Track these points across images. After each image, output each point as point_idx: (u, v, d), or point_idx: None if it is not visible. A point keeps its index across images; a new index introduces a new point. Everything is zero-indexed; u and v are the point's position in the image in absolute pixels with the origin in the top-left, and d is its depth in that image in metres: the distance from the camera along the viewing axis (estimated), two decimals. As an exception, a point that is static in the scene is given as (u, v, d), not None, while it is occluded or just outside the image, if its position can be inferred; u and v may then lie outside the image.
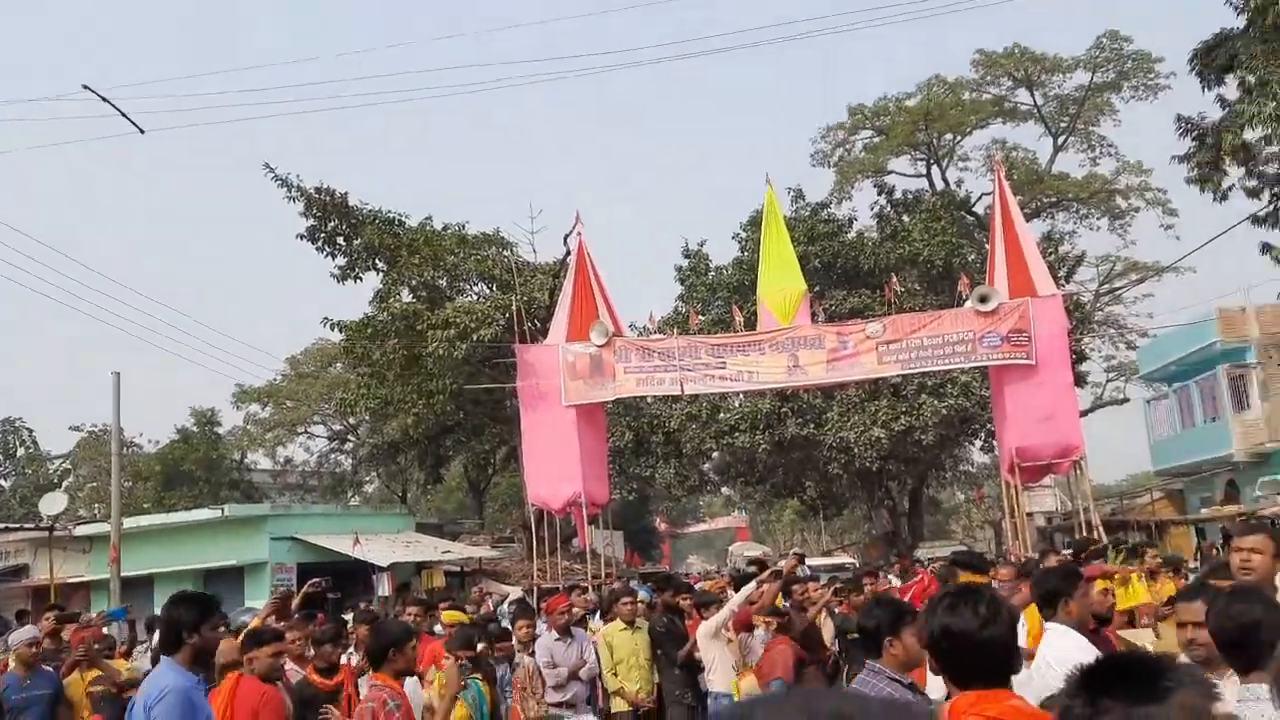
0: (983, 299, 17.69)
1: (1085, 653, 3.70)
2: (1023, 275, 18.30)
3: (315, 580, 9.30)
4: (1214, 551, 19.64)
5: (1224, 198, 15.78)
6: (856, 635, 7.99)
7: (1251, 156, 14.90)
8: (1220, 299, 28.64)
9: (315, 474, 46.49)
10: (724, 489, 40.06)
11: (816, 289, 24.58)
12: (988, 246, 24.36)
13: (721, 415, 29.49)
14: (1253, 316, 26.52)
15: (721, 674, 8.44)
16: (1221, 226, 22.24)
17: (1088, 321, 29.55)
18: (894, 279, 22.79)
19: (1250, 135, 14.91)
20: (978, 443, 31.04)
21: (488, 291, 26.09)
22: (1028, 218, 21.16)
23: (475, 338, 22.56)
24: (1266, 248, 15.28)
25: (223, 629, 6.13)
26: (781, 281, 19.26)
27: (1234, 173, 15.58)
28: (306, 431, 44.87)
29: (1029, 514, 18.90)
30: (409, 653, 5.35)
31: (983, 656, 2.84)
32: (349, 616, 10.12)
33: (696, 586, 12.11)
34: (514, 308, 18.62)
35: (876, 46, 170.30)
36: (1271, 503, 21.60)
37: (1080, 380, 22.61)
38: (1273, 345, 26.23)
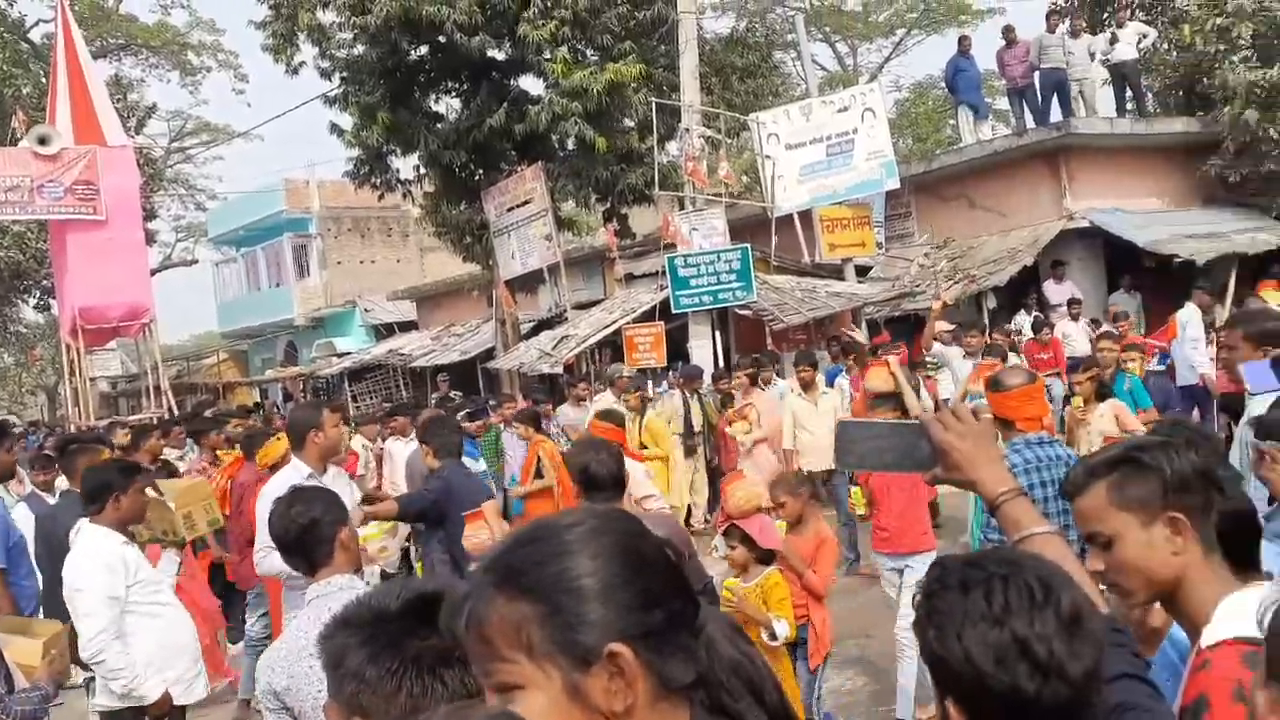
0: (42, 140, 15.84)
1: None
2: (90, 120, 16.73)
3: None
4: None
5: (296, 72, 16.26)
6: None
7: (327, 38, 15.54)
8: (289, 170, 30.20)
9: None
10: None
11: None
12: (47, 81, 21.60)
13: None
14: (315, 190, 28.52)
15: None
16: (296, 99, 23.07)
17: (159, 178, 28.39)
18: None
19: (324, 18, 15.61)
20: (31, 301, 27.83)
21: None
22: (93, 56, 19.28)
23: None
24: (335, 128, 16.25)
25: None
26: None
27: (308, 50, 16.11)
28: None
29: (92, 378, 17.71)
30: None
31: None
32: None
33: None
34: None
35: None
36: (327, 364, 23.83)
37: (150, 239, 21.70)
38: (331, 218, 28.64)
